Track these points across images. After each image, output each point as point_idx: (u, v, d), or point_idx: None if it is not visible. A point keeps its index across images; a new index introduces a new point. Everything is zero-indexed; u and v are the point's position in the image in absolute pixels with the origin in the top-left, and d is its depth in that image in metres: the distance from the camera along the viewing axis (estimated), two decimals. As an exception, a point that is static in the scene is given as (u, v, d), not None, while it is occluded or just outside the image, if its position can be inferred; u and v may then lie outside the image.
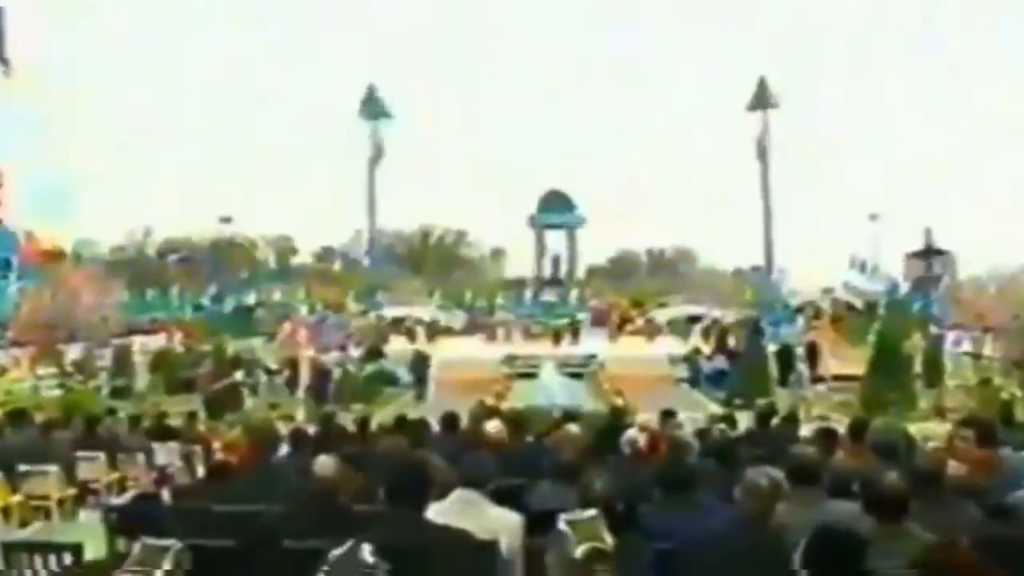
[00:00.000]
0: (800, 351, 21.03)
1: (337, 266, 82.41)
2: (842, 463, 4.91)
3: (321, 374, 19.07)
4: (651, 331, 32.83)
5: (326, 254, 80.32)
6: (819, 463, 4.10)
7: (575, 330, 31.43)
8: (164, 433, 10.72)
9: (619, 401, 15.13)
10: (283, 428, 8.18)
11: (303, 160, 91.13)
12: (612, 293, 48.54)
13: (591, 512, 2.89)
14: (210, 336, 24.12)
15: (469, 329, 35.74)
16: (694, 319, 33.67)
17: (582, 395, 17.92)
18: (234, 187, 78.90)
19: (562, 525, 2.82)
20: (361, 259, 74.95)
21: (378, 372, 21.70)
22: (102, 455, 9.09)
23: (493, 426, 6.47)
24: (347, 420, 10.05)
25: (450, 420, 7.46)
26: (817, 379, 18.61)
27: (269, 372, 21.89)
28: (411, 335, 31.15)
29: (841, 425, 7.61)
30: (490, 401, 15.63)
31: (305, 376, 18.54)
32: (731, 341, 24.64)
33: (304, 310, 22.02)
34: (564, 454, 5.23)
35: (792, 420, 8.52)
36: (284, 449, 6.53)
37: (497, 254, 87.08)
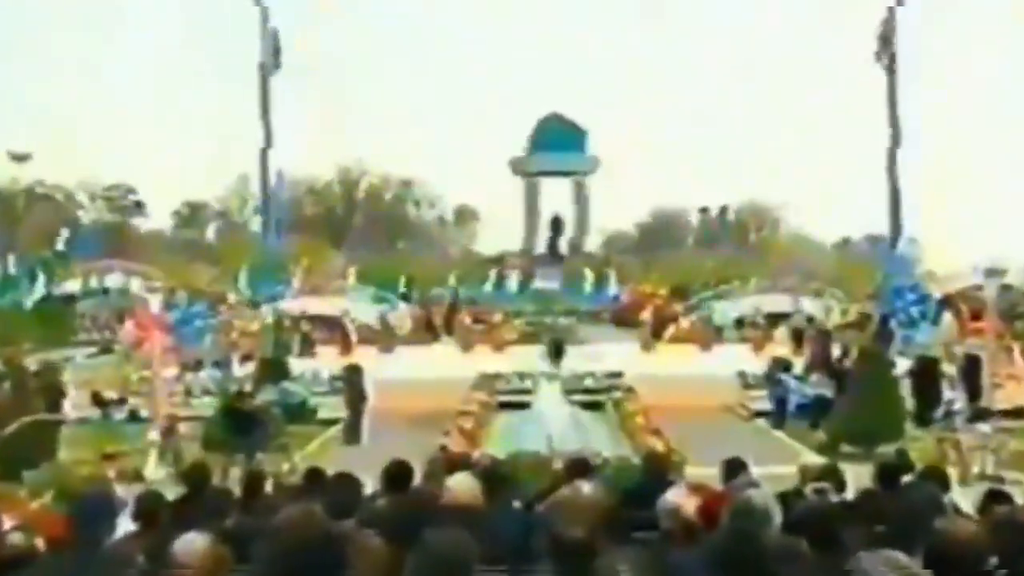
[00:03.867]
0: (950, 369, 21.11)
1: (211, 233, 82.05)
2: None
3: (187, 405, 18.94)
4: (707, 335, 33.04)
5: (192, 214, 79.89)
6: (984, 547, 4.06)
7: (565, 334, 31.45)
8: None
9: (657, 445, 15.15)
10: (124, 491, 8.10)
11: (155, 65, 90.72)
12: (645, 276, 48.81)
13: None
14: (-1, 345, 23.85)
15: (423, 332, 35.73)
16: (777, 317, 33.86)
17: (599, 436, 17.94)
18: (35, 108, 77.94)
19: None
20: (249, 221, 74.75)
21: (280, 400, 21.61)
22: None
23: (461, 484, 6.45)
24: (229, 476, 9.96)
25: (395, 475, 7.44)
26: (979, 413, 18.65)
27: (101, 402, 21.69)
28: (335, 341, 31.01)
29: (1021, 488, 7.60)
30: (456, 445, 15.60)
31: (161, 407, 18.41)
32: (837, 351, 24.73)
33: (157, 302, 21.78)
34: (570, 527, 5.19)
35: (937, 478, 8.53)
36: (125, 523, 6.46)
37: (464, 216, 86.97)
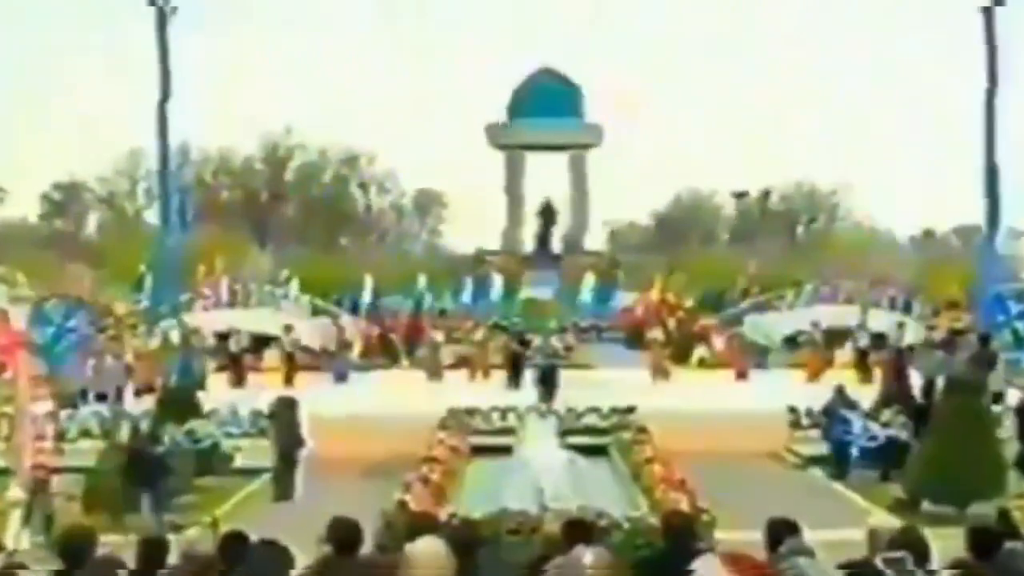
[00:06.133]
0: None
1: (92, 224, 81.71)
2: None
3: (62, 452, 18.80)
4: (746, 359, 33.19)
5: (66, 200, 79.57)
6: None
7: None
8: None
9: (681, 502, 15.18)
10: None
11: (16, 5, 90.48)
12: (664, 280, 48.86)
13: None
14: None
15: (376, 354, 35.72)
16: (838, 334, 33.92)
17: (605, 490, 17.93)
18: None
19: None
20: (143, 209, 74.31)
21: (188, 445, 21.59)
22: None
23: (425, 551, 6.48)
24: (122, 545, 9.94)
25: (337, 539, 7.47)
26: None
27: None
28: (259, 367, 31.10)
29: None
30: (418, 501, 15.60)
31: (26, 456, 18.34)
32: (915, 379, 24.79)
33: (22, 316, 21.54)
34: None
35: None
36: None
37: (427, 202, 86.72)
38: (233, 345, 32.85)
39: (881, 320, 34.20)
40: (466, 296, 45.58)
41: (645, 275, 50.72)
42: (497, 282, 46.08)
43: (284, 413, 21.21)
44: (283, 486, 20.07)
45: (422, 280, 45.55)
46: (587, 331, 41.15)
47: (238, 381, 30.53)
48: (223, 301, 38.21)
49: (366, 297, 42.40)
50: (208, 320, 35.37)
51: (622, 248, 69.51)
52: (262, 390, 26.71)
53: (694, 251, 67.76)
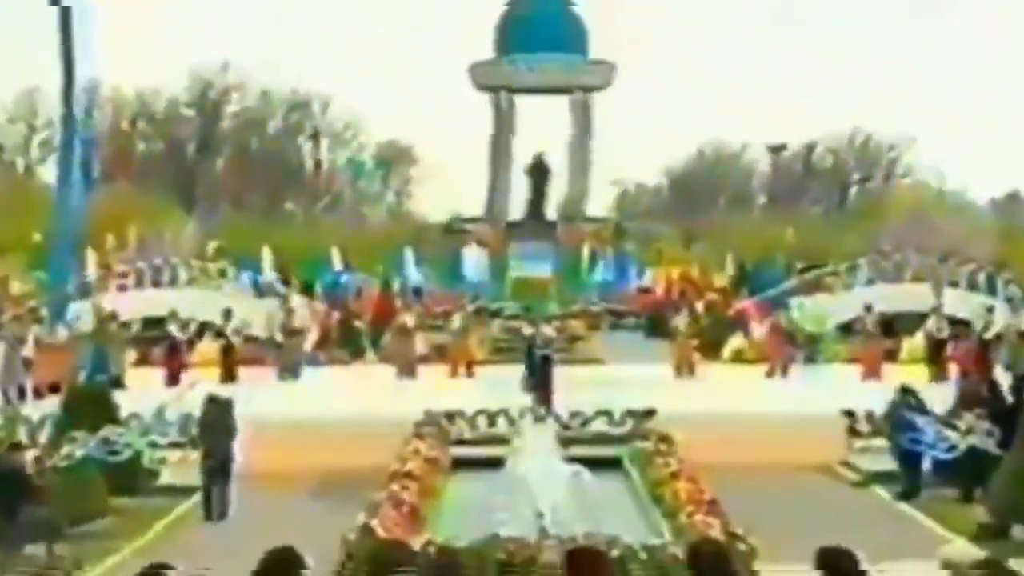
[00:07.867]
0: None
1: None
2: None
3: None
4: (784, 351, 33.27)
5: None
6: None
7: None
8: None
9: (712, 527, 15.25)
10: None
11: None
12: (684, 253, 48.84)
13: None
14: None
15: (334, 344, 35.72)
16: (905, 320, 33.88)
17: (617, 511, 18.06)
18: None
19: None
20: (38, 164, 74.00)
21: (102, 456, 21.59)
22: None
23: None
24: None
25: (273, 571, 7.52)
26: None
27: None
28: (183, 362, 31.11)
29: None
30: (388, 525, 15.66)
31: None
32: (1002, 378, 24.77)
33: None
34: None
35: None
36: None
37: (394, 158, 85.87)
38: (176, 331, 32.46)
39: (959, 303, 34.12)
40: (413, 272, 45.13)
41: (658, 247, 50.71)
42: (476, 256, 45.93)
43: (217, 416, 21.13)
44: (215, 503, 20.04)
45: (335, 254, 45.33)
46: (599, 316, 41.08)
47: (173, 378, 30.28)
48: (145, 278, 38.05)
49: (266, 274, 42.07)
50: (126, 303, 35.26)
51: (629, 215, 69.33)
52: (193, 388, 26.71)
53: (720, 217, 67.62)
